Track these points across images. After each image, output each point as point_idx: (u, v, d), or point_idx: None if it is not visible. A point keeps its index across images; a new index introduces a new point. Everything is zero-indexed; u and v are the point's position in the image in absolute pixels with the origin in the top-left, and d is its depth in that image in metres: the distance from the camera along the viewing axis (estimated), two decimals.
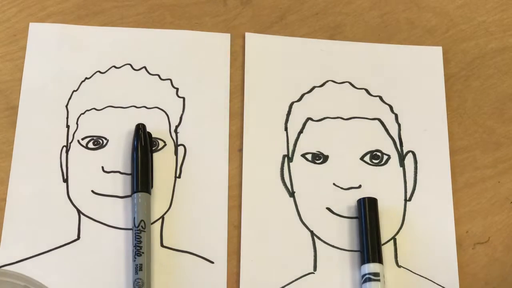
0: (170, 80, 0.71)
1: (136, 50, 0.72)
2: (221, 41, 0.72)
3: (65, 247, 0.64)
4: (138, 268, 0.61)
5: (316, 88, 0.71)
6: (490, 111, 0.72)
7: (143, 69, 0.71)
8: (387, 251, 0.65)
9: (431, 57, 0.73)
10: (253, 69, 0.71)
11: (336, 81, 0.72)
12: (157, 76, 0.71)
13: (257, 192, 0.67)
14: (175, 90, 0.70)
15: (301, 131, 0.69)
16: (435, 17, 0.75)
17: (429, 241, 0.66)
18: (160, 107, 0.69)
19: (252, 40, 0.73)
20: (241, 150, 0.68)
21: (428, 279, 0.64)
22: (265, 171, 0.68)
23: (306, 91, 0.71)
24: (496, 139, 0.71)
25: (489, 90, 0.73)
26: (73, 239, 0.64)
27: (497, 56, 0.74)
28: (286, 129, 0.69)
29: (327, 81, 0.72)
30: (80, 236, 0.64)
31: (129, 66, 0.71)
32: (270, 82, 0.71)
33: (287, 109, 0.70)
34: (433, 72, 0.73)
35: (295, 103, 0.70)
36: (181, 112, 0.69)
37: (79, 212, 0.65)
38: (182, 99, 0.70)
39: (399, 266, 0.65)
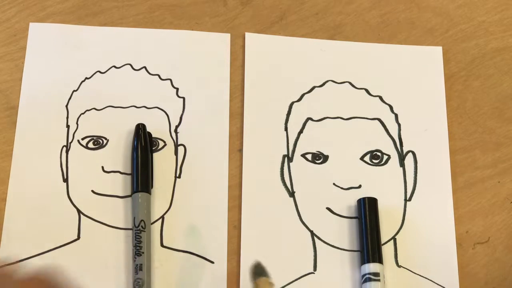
0: (170, 80, 0.71)
1: (136, 50, 0.71)
2: (221, 41, 0.72)
3: (65, 247, 0.64)
4: (138, 268, 0.61)
5: (316, 88, 0.71)
6: (490, 111, 0.72)
7: (143, 69, 0.71)
8: (387, 251, 0.65)
9: (431, 57, 0.73)
10: (253, 69, 0.71)
11: (336, 81, 0.72)
12: (157, 76, 0.71)
13: (257, 192, 0.67)
14: (175, 90, 0.70)
15: (301, 131, 0.69)
16: (435, 17, 0.75)
17: (429, 241, 0.66)
18: (160, 107, 0.69)
19: (252, 40, 0.73)
20: (241, 150, 0.68)
21: (428, 279, 0.64)
22: (265, 171, 0.68)
23: (306, 91, 0.71)
24: (496, 139, 0.71)
25: (489, 90, 0.73)
26: (73, 239, 0.64)
27: (497, 56, 0.74)
28: (286, 129, 0.69)
29: (327, 81, 0.72)
30: (80, 236, 0.64)
31: (129, 66, 0.71)
32: (270, 82, 0.71)
33: (287, 109, 0.70)
34: (433, 72, 0.73)
35: (295, 103, 0.70)
36: (181, 112, 0.69)
37: (79, 212, 0.65)
38: (182, 99, 0.70)
39: (399, 266, 0.65)
